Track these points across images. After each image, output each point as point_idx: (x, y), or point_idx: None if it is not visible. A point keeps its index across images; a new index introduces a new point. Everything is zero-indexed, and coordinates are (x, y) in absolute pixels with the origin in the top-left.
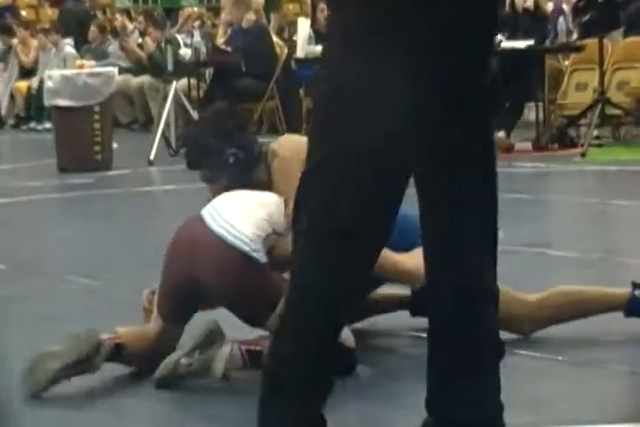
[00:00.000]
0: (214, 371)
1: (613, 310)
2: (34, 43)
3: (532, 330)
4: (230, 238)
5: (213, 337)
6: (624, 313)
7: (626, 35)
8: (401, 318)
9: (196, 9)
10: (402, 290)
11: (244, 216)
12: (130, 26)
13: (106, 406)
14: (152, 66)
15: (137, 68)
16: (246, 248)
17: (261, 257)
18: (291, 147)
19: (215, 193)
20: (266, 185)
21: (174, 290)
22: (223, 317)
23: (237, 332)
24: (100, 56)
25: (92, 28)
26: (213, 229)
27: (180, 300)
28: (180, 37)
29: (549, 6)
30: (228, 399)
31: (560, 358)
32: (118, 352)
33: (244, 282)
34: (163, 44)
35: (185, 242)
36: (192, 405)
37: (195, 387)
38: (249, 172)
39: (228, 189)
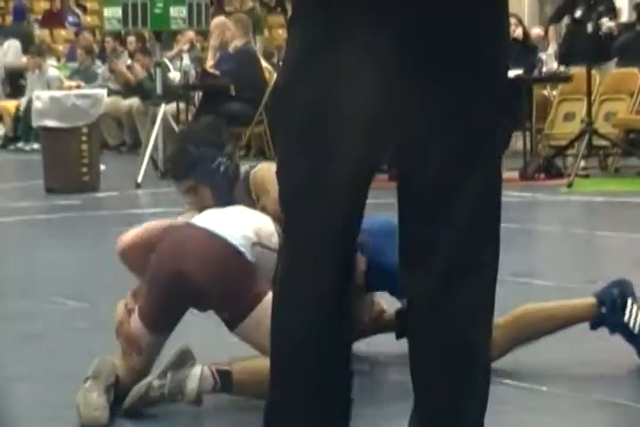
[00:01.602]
0: (187, 392)
1: (580, 321)
2: None
3: (498, 355)
4: (219, 232)
5: (184, 358)
6: (590, 326)
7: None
8: (385, 342)
9: (186, 33)
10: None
11: (231, 222)
12: (119, 48)
13: None
14: (141, 91)
15: (125, 90)
16: (234, 242)
17: (248, 255)
18: (272, 168)
19: (197, 208)
20: (247, 205)
21: (161, 292)
22: (192, 343)
23: (206, 356)
24: (90, 78)
25: (79, 51)
26: (203, 226)
27: (167, 302)
28: (168, 61)
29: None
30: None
31: (544, 388)
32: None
33: (229, 273)
34: (152, 70)
35: (173, 241)
36: None
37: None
38: (233, 187)
39: (213, 205)
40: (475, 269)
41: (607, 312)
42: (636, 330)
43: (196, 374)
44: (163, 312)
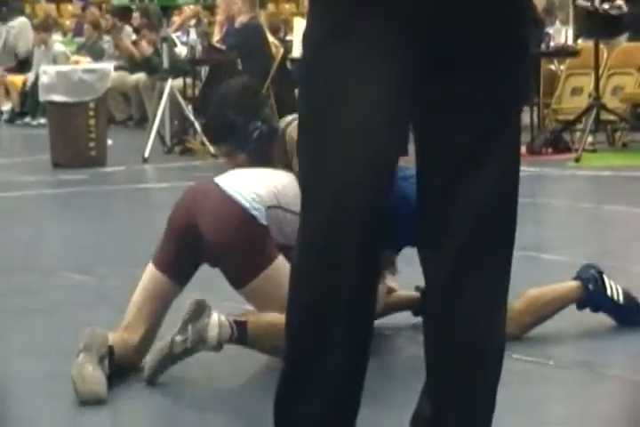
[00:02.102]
0: (209, 339)
1: (570, 303)
2: None
3: (520, 333)
4: (236, 195)
5: (201, 309)
6: (577, 306)
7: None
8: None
9: (192, 7)
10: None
11: (252, 181)
12: (119, 24)
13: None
14: (148, 67)
15: (131, 65)
16: (247, 205)
17: (261, 218)
18: None
19: (235, 168)
20: (282, 165)
21: (175, 236)
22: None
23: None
24: (97, 53)
25: (86, 26)
26: (220, 185)
27: (179, 248)
28: (175, 36)
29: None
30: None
31: (551, 362)
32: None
33: (239, 235)
34: (159, 45)
35: (193, 194)
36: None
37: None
38: (269, 148)
39: (247, 167)
40: (491, 252)
41: (594, 290)
42: (621, 300)
43: (215, 322)
44: (175, 257)
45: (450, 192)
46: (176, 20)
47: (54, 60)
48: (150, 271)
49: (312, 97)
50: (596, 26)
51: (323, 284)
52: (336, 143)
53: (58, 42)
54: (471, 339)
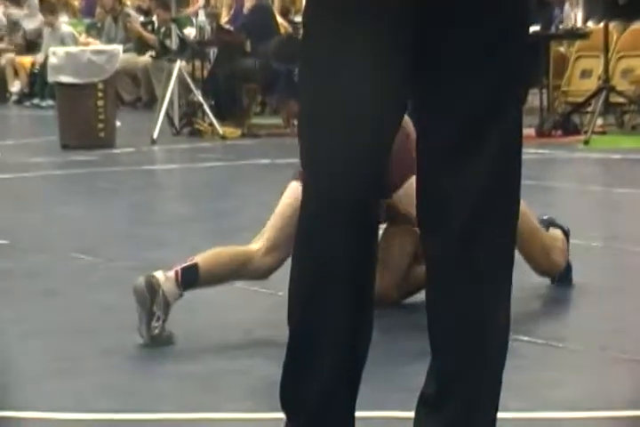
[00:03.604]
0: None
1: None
2: None
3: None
4: None
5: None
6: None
7: None
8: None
9: None
10: None
11: None
12: (118, 7)
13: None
14: (163, 48)
15: (139, 47)
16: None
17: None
18: None
19: (290, 116)
20: None
21: None
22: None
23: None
24: (109, 38)
25: (99, 9)
26: None
27: None
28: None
29: None
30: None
31: (560, 344)
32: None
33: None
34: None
35: None
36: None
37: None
38: None
39: None
40: (493, 229)
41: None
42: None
43: (162, 278)
44: None
45: (450, 174)
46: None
47: (62, 42)
48: (296, 187)
49: (311, 70)
50: (610, 9)
51: (323, 246)
52: (334, 118)
53: (65, 23)
54: (477, 309)
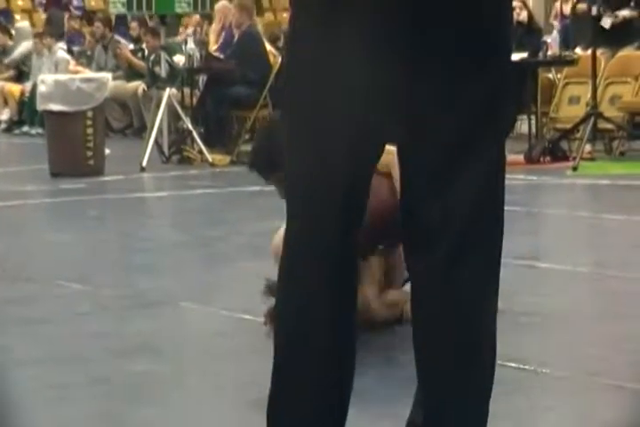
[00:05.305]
0: None
1: None
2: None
3: None
4: None
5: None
6: None
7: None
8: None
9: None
10: None
11: None
12: (108, 34)
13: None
14: (151, 75)
15: (128, 74)
16: None
17: None
18: None
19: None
20: None
21: None
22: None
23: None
24: (99, 66)
25: (88, 38)
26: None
27: None
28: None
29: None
30: None
31: (548, 371)
32: None
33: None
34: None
35: None
36: None
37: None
38: None
39: None
40: (477, 254)
41: None
42: None
43: None
44: None
45: (434, 193)
46: (184, 28)
47: (56, 67)
48: None
49: (296, 81)
50: (598, 35)
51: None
52: (320, 130)
53: (61, 49)
54: (463, 337)
